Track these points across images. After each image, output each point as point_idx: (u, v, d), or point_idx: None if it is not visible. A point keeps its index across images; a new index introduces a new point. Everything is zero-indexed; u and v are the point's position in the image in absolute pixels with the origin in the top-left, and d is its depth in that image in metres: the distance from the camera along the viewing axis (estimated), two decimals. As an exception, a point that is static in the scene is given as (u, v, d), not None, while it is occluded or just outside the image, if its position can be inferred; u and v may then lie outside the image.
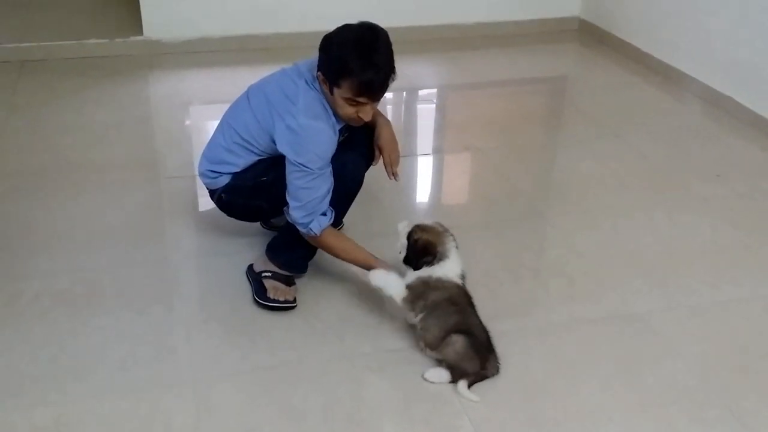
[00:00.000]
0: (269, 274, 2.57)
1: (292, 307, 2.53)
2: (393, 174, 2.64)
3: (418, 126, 4.20)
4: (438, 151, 3.83)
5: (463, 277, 2.31)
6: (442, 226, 2.38)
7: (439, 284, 2.27)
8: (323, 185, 2.36)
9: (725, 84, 4.13)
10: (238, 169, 2.54)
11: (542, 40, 5.20)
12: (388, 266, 2.40)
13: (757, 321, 2.56)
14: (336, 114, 2.37)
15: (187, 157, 3.57)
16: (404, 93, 4.50)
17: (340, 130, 2.44)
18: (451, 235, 2.35)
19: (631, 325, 2.50)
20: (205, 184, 2.65)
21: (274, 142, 2.40)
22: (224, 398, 2.16)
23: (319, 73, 2.33)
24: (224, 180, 2.56)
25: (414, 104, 4.52)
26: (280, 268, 2.58)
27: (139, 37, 4.66)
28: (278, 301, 2.52)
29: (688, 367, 2.33)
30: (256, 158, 2.52)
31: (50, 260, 2.75)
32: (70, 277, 2.65)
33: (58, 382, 2.20)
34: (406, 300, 2.30)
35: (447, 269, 2.28)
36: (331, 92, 2.31)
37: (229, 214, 2.68)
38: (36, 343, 2.34)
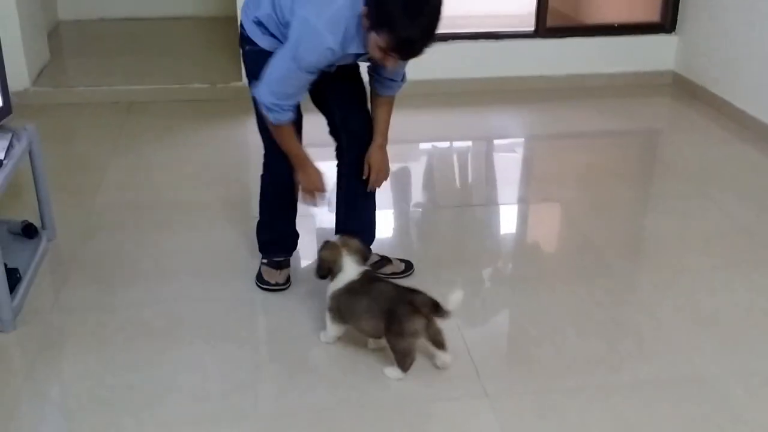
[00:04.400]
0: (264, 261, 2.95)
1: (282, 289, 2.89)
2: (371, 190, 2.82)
3: (500, 175, 4.24)
4: (516, 201, 3.86)
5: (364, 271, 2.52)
6: (345, 241, 2.56)
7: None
8: (299, 86, 2.46)
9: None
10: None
11: (635, 93, 5.16)
12: (314, 166, 2.64)
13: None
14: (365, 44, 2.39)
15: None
16: (488, 142, 4.56)
17: (359, 56, 2.50)
18: (352, 248, 2.53)
19: (699, 391, 2.45)
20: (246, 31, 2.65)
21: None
22: (284, 435, 2.24)
23: (365, 7, 2.30)
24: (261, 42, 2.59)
25: (499, 153, 4.56)
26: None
27: (238, 83, 4.89)
28: (269, 284, 2.90)
29: (754, 436, 2.27)
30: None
31: (136, 292, 2.92)
32: (153, 310, 2.81)
33: (132, 408, 2.33)
34: (332, 320, 2.55)
35: (342, 281, 2.50)
36: (369, 29, 2.31)
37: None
38: (116, 371, 2.49)
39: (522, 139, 4.72)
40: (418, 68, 5.36)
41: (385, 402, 2.38)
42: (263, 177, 2.93)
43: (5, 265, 2.67)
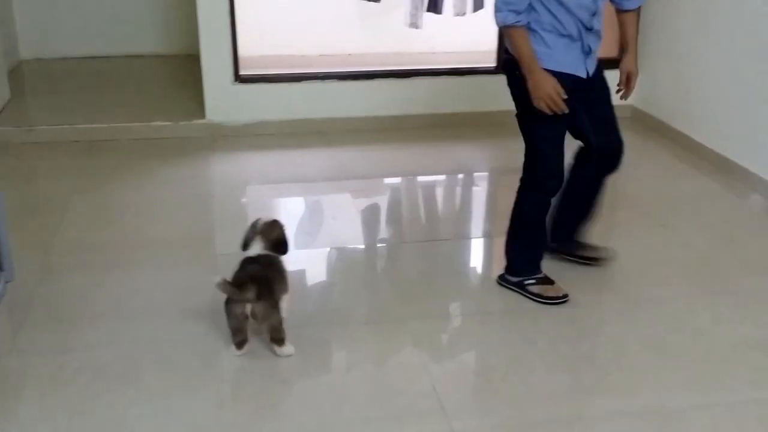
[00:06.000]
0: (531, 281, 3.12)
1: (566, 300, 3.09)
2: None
3: (464, 209, 4.25)
4: (481, 235, 3.87)
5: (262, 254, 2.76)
6: (268, 225, 2.81)
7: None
8: None
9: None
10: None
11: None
12: (545, 73, 2.77)
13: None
14: None
15: (240, 236, 3.69)
16: (452, 176, 4.59)
17: None
18: (267, 233, 2.78)
19: (664, 422, 2.45)
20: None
21: None
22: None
23: None
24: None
25: (463, 187, 4.59)
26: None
27: (201, 120, 4.89)
28: (557, 298, 3.08)
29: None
30: None
31: (96, 334, 2.87)
32: (113, 351, 2.76)
33: (91, 453, 2.28)
34: None
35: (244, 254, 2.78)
36: None
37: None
38: (74, 414, 2.43)
39: (485, 173, 4.76)
40: (382, 105, 5.42)
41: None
42: (530, 196, 3.08)
43: (-40, 308, 2.61)
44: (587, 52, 2.87)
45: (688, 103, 4.85)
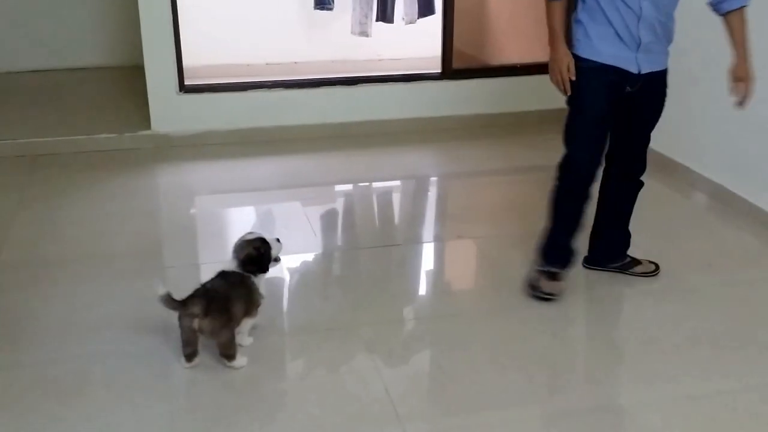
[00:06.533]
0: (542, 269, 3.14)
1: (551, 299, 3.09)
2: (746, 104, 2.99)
3: (414, 214, 4.28)
4: (432, 240, 3.90)
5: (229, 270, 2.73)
6: (244, 244, 2.74)
7: None
8: None
9: (723, 177, 4.18)
10: None
11: (540, 130, 5.29)
12: (567, 49, 2.88)
13: (743, 413, 2.56)
14: None
15: (189, 247, 3.67)
16: (402, 182, 4.62)
17: None
18: (238, 250, 2.73)
19: (616, 419, 2.50)
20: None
21: None
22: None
23: None
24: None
25: (412, 192, 4.62)
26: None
27: (147, 132, 4.83)
28: (542, 292, 3.09)
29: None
30: None
31: (44, 349, 2.82)
32: (62, 366, 2.71)
33: (41, 472, 2.24)
34: None
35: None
36: None
37: None
38: (25, 431, 2.39)
39: (435, 178, 4.79)
40: (331, 112, 5.43)
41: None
42: (556, 182, 3.12)
43: None
44: (639, 45, 2.85)
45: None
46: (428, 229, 4.07)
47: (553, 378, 2.71)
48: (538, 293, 3.12)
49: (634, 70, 2.89)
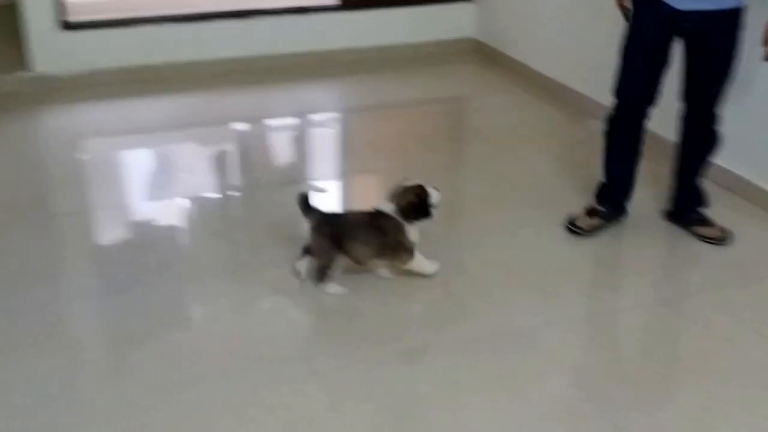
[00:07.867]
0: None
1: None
2: None
3: (314, 151, 4.21)
4: (333, 176, 3.84)
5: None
6: (402, 188, 2.75)
7: None
8: None
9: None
10: None
11: (440, 61, 5.28)
12: None
13: (634, 329, 2.66)
14: None
15: (78, 193, 3.50)
16: (301, 118, 4.51)
17: None
18: (396, 193, 2.75)
19: (515, 341, 2.54)
20: None
21: None
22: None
23: None
24: None
25: (312, 128, 4.53)
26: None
27: (26, 73, 4.55)
28: (574, 225, 3.13)
29: (569, 380, 2.39)
30: None
31: None
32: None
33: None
34: None
35: None
36: None
37: None
38: None
39: (335, 114, 4.71)
40: (224, 47, 5.23)
41: (213, 396, 2.29)
42: (615, 106, 3.03)
43: None
44: None
45: (527, 33, 4.96)
46: (330, 166, 4.00)
47: (455, 305, 2.73)
48: (570, 225, 3.16)
49: (676, 5, 2.77)
